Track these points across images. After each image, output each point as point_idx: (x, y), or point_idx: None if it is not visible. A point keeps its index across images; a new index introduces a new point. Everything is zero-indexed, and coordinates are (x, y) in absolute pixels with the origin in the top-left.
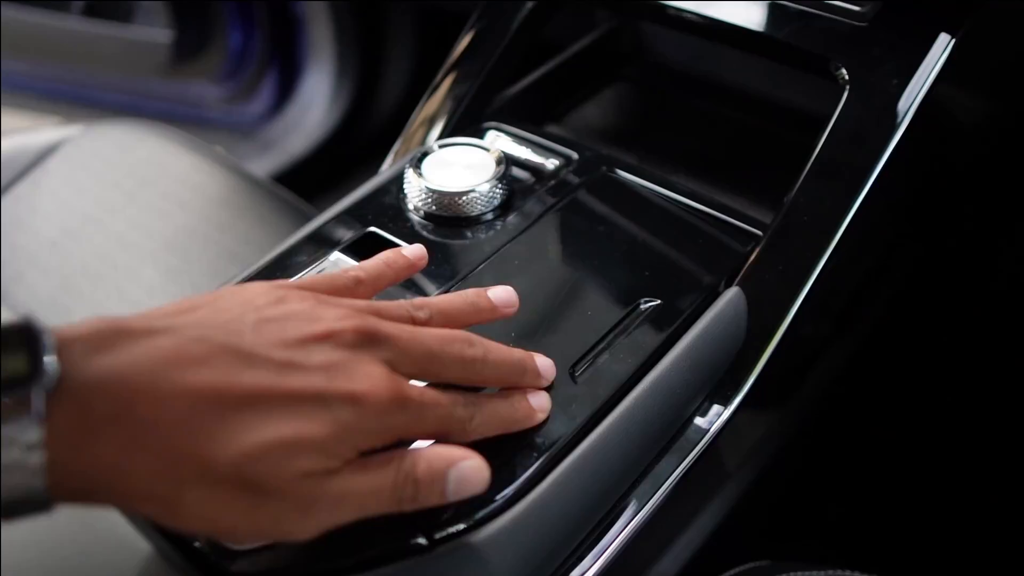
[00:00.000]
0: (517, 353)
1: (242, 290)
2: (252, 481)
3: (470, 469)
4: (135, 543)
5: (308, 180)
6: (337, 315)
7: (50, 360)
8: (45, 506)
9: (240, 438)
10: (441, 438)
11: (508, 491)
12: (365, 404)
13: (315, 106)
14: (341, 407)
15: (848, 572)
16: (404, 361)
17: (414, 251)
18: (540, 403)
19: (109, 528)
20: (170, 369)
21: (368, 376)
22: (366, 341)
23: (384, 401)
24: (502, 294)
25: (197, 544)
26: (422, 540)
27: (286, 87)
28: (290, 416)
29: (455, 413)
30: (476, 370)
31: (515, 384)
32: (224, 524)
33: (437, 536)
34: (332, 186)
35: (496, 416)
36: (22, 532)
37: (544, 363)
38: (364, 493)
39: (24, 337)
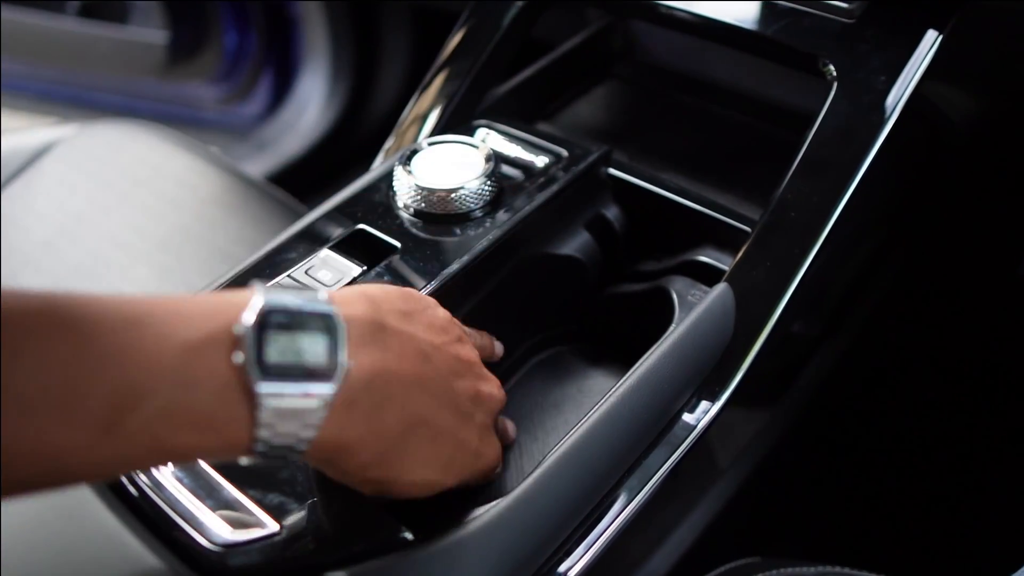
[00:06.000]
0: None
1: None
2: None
3: None
4: (125, 541)
5: (303, 180)
6: (491, 383)
7: (344, 358)
8: (291, 461)
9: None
10: None
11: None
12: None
13: (310, 107)
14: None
15: (837, 569)
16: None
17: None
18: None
19: (99, 527)
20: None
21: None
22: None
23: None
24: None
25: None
26: (408, 535)
27: (281, 88)
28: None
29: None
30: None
31: None
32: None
33: (423, 531)
34: (327, 186)
35: None
36: (17, 531)
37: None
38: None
39: (326, 324)
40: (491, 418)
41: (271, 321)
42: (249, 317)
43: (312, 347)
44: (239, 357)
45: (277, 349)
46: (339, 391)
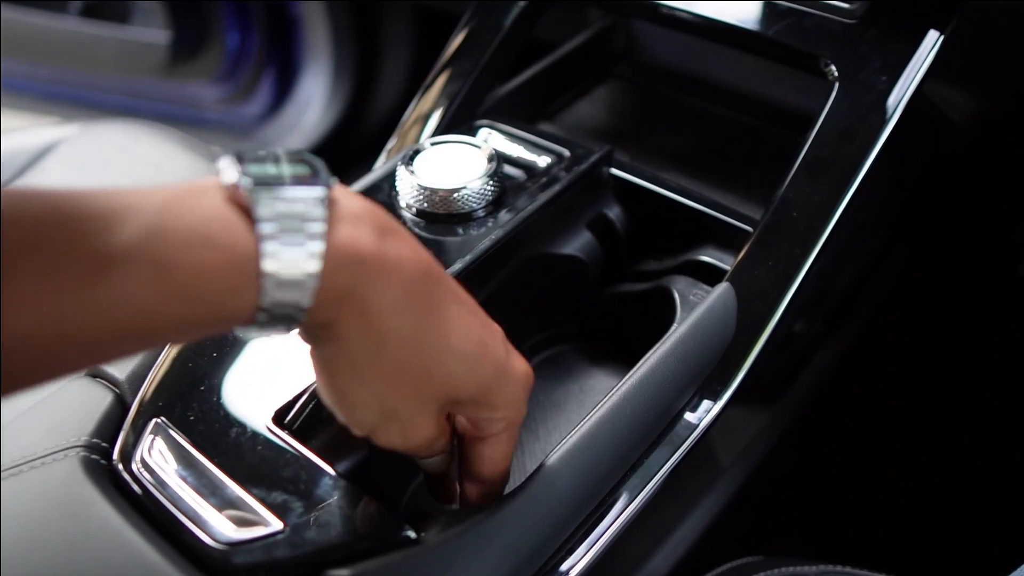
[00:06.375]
0: None
1: None
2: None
3: None
4: (129, 539)
5: None
6: None
7: (327, 175)
8: (298, 320)
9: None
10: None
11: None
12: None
13: (312, 106)
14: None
15: (839, 568)
16: None
17: None
18: None
19: (102, 525)
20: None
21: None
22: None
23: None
24: None
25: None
26: (411, 533)
27: (283, 87)
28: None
29: None
30: None
31: None
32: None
33: (426, 529)
34: None
35: None
36: (18, 529)
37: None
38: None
39: (303, 158)
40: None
41: (248, 156)
42: (226, 158)
43: (293, 167)
44: (223, 177)
45: (258, 169)
46: (331, 198)
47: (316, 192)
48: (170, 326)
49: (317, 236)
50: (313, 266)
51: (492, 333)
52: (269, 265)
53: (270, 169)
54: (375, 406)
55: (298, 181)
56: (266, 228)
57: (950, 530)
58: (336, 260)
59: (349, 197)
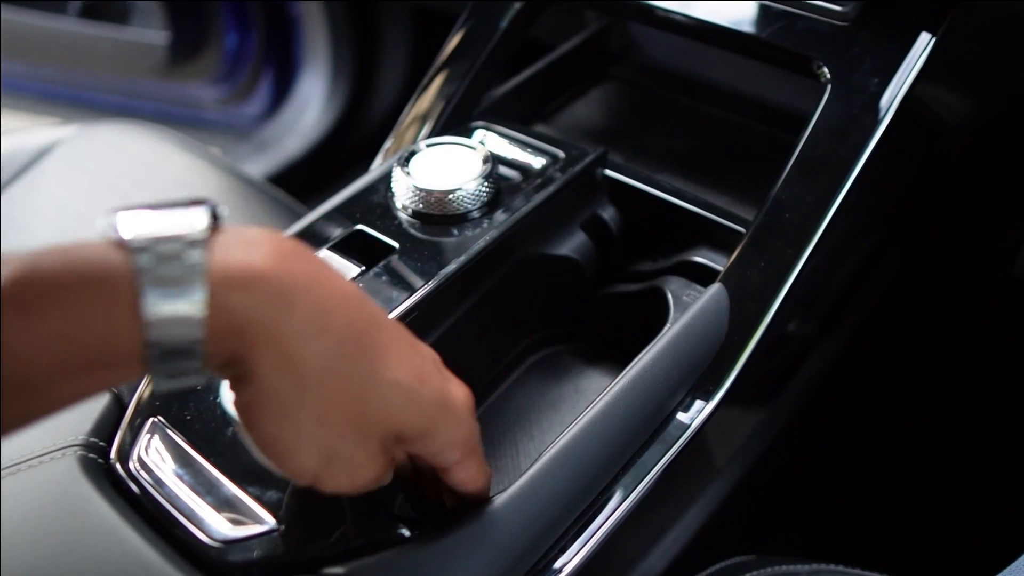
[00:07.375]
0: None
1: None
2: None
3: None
4: (126, 537)
5: (304, 181)
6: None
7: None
8: (198, 356)
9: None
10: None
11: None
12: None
13: (311, 107)
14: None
15: (831, 566)
16: None
17: None
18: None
19: (100, 523)
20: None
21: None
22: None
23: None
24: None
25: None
26: (405, 531)
27: (282, 88)
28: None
29: None
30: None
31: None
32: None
33: (420, 527)
34: (327, 187)
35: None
36: (17, 527)
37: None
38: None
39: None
40: (442, 366)
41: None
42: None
43: (173, 207)
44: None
45: (137, 214)
46: (219, 224)
47: (196, 212)
48: (53, 373)
49: (198, 246)
50: (197, 283)
51: (425, 360)
52: (147, 285)
53: (149, 211)
54: (312, 450)
55: (175, 206)
56: (137, 244)
57: (943, 529)
58: (227, 280)
59: (248, 228)
